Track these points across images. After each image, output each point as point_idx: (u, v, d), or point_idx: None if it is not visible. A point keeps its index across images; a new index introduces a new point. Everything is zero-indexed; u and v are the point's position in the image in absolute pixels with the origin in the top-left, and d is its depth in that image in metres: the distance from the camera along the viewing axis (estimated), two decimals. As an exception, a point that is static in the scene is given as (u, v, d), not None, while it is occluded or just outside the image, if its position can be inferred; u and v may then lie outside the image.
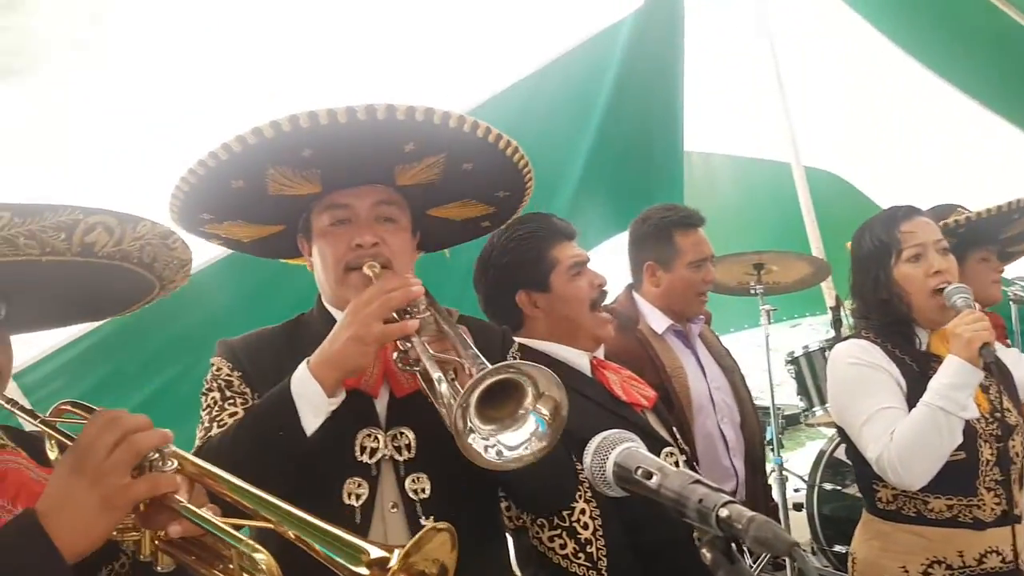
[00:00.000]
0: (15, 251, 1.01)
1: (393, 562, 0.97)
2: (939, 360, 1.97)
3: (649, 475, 0.93)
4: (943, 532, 1.96)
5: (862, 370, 2.02)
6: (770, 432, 4.33)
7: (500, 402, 1.23)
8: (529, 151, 1.60)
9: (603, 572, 1.67)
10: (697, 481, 0.88)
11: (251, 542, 1.00)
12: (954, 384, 1.87)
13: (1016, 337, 3.83)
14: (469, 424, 1.18)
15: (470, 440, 1.18)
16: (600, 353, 2.05)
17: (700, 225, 2.66)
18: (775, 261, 4.10)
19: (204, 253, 2.42)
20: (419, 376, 1.38)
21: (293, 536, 1.03)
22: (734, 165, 6.13)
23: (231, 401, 1.50)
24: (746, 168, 6.16)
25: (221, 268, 2.75)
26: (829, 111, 6.09)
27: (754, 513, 0.81)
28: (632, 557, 1.72)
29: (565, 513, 1.70)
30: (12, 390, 1.37)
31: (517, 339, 1.93)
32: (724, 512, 0.83)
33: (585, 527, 1.66)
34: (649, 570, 1.73)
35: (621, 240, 4.15)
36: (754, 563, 3.10)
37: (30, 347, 2.63)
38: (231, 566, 1.03)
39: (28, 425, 1.22)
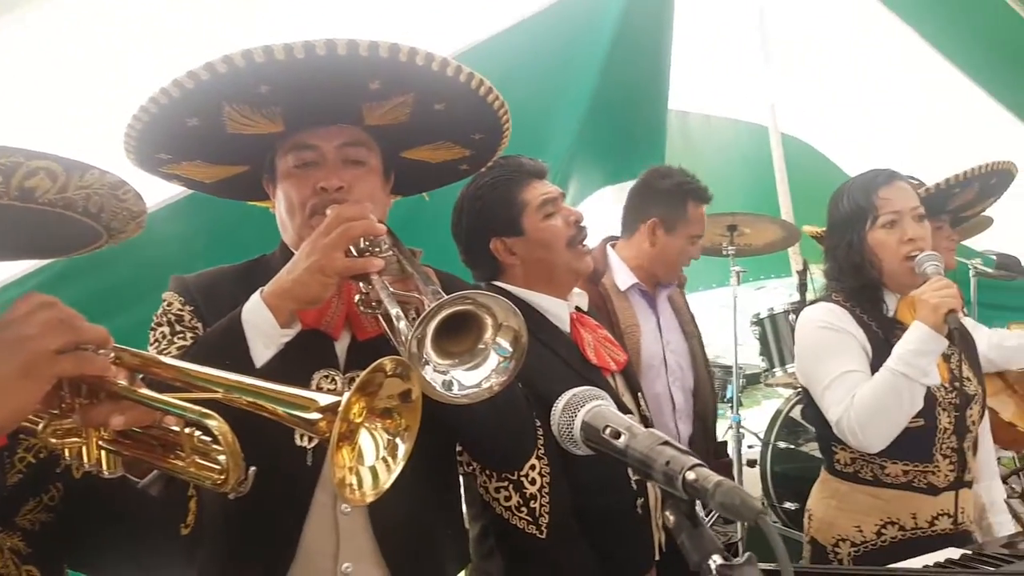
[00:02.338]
0: None
1: (343, 404, 0.93)
2: (904, 327, 1.98)
3: (617, 435, 0.91)
4: (898, 495, 1.99)
5: (829, 334, 2.03)
6: (731, 390, 4.40)
7: (459, 336, 1.18)
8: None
9: (543, 528, 1.66)
10: (666, 443, 0.86)
11: (201, 408, 0.96)
12: (918, 350, 1.88)
13: (973, 308, 3.91)
14: (424, 356, 1.12)
15: (424, 372, 1.12)
16: (584, 303, 2.02)
17: (709, 202, 2.67)
18: (748, 223, 4.13)
19: (163, 192, 2.34)
20: (381, 318, 1.31)
21: (245, 403, 0.99)
22: (712, 125, 6.11)
23: (180, 335, 1.44)
24: (723, 129, 6.14)
25: (181, 208, 2.66)
26: (809, 78, 6.08)
27: (721, 478, 0.80)
28: (574, 519, 1.72)
29: None
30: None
31: (498, 284, 1.90)
32: (691, 475, 0.81)
33: (533, 482, 1.65)
34: (588, 533, 1.74)
35: (604, 194, 4.13)
36: (707, 515, 3.15)
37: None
38: (183, 452, 0.99)
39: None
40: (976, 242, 3.72)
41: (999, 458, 3.28)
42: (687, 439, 2.63)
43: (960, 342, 2.08)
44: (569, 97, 3.76)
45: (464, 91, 1.47)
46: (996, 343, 2.47)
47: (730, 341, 4.19)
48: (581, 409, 0.97)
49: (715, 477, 0.80)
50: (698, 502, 0.84)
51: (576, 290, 2.00)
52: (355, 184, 1.47)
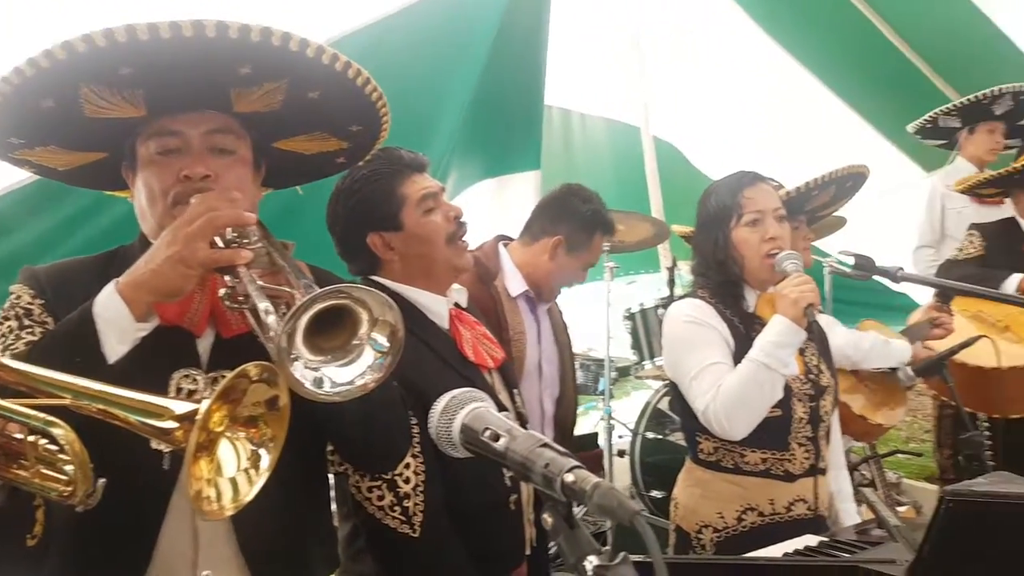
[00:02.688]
0: None
1: (200, 413, 0.89)
2: (763, 322, 2.08)
3: (497, 437, 0.91)
4: (757, 482, 2.08)
5: (695, 328, 2.10)
6: (603, 383, 4.50)
7: (332, 332, 1.12)
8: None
9: (416, 527, 1.64)
10: (545, 445, 0.86)
11: (46, 416, 0.89)
12: (779, 342, 1.97)
13: (828, 305, 4.14)
14: (294, 352, 1.05)
15: (293, 369, 1.05)
16: (463, 300, 2.00)
17: (612, 235, 2.73)
18: (621, 220, 4.22)
19: (8, 177, 2.17)
20: (248, 313, 1.23)
21: (95, 410, 0.93)
22: (588, 124, 6.23)
23: (29, 330, 1.34)
24: (599, 128, 6.28)
25: (30, 194, 2.47)
26: (679, 81, 6.28)
27: (599, 480, 0.80)
28: (448, 518, 1.71)
29: None
30: None
31: (375, 279, 1.86)
32: (569, 477, 0.82)
33: (407, 481, 1.61)
34: (463, 532, 1.73)
35: (482, 188, 4.12)
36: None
37: None
38: (27, 461, 0.92)
39: None
40: (826, 243, 3.96)
41: (851, 448, 3.50)
42: None
43: (814, 336, 2.21)
44: (450, 89, 3.74)
45: (340, 80, 1.41)
46: (854, 342, 2.61)
47: (603, 334, 4.28)
48: (460, 412, 0.96)
49: (593, 479, 0.81)
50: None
51: (455, 286, 1.98)
52: (222, 173, 1.39)
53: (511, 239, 2.79)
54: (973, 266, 3.41)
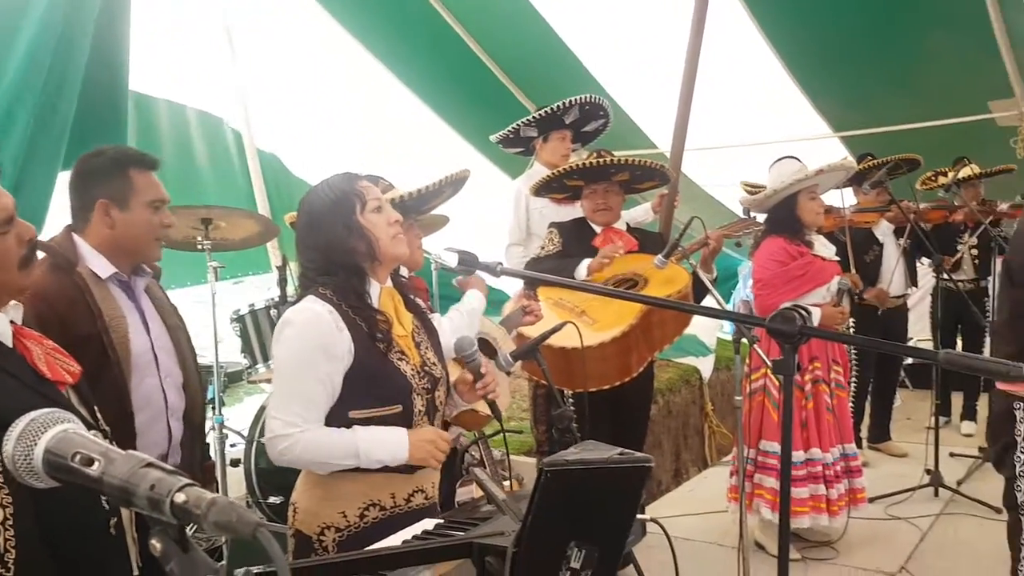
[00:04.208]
0: None
1: None
2: (384, 315, 2.10)
3: (90, 461, 0.79)
4: (379, 477, 2.11)
5: (301, 350, 2.04)
6: (212, 391, 4.27)
7: None
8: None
9: (9, 565, 1.41)
10: (149, 464, 0.77)
11: None
12: (380, 460, 2.08)
13: (436, 301, 4.37)
14: None
15: None
16: (19, 318, 1.71)
17: (155, 168, 2.47)
18: (223, 217, 4.03)
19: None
20: None
21: None
22: (186, 116, 5.85)
23: None
24: (200, 121, 5.94)
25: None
26: (276, 79, 6.19)
27: (215, 496, 0.74)
28: (44, 548, 1.49)
29: None
30: None
31: None
32: (180, 497, 0.74)
33: None
34: (59, 562, 1.52)
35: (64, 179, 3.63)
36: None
37: None
38: None
39: None
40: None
41: (461, 433, 3.71)
42: (180, 439, 2.47)
43: (428, 330, 2.30)
44: (19, 78, 3.29)
45: None
46: (454, 328, 2.76)
47: (210, 339, 4.06)
48: (43, 436, 0.82)
49: (208, 495, 0.74)
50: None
51: (12, 303, 1.69)
52: None
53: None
54: (554, 260, 3.83)
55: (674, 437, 6.06)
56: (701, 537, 4.55)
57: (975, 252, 6.07)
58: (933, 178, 6.01)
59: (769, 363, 3.18)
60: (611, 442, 1.32)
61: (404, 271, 2.69)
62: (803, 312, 1.50)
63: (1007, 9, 5.04)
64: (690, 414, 6.29)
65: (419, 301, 2.38)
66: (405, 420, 2.12)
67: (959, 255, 6.03)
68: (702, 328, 6.66)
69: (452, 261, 1.76)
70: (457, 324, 2.77)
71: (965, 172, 5.77)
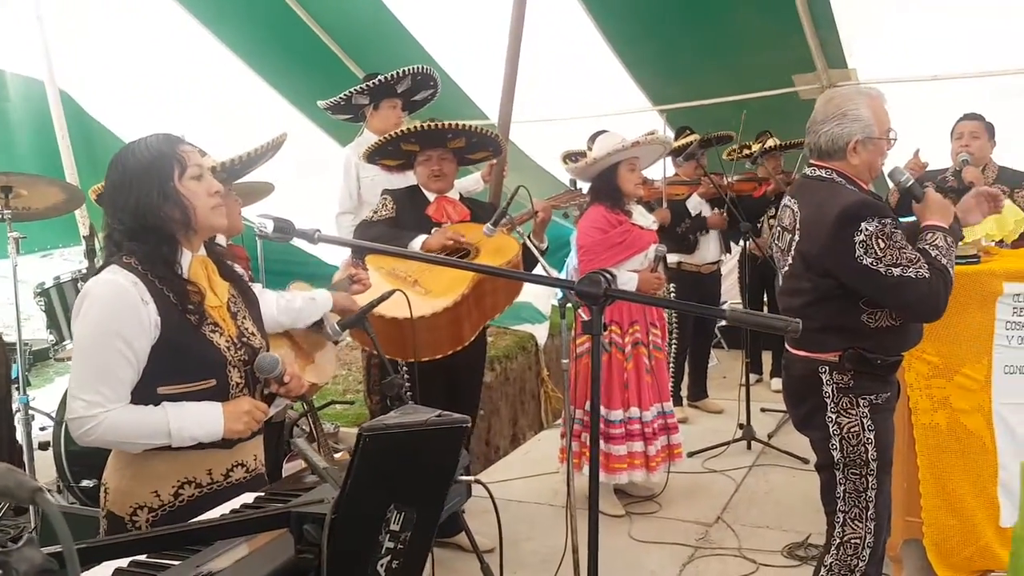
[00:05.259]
0: None
1: None
2: (195, 286, 2.02)
3: None
4: (195, 454, 2.03)
5: (101, 325, 1.93)
6: (16, 370, 4.00)
7: None
8: None
9: None
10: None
11: None
12: (194, 436, 2.00)
13: (261, 274, 4.24)
14: None
15: None
16: None
17: None
18: (25, 185, 3.76)
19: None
20: None
21: None
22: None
23: None
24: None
25: None
26: (88, 39, 5.78)
27: (-8, 465, 0.71)
28: None
29: None
30: None
31: None
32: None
33: None
34: None
35: None
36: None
37: None
38: None
39: None
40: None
41: (291, 405, 3.65)
42: None
43: (244, 299, 2.22)
44: None
45: None
46: (285, 307, 2.62)
47: (13, 316, 3.77)
48: None
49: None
50: None
51: None
52: None
53: None
54: (385, 226, 3.78)
55: (511, 403, 6.22)
56: (534, 499, 4.72)
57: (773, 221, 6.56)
58: (738, 150, 6.42)
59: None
60: (445, 409, 1.33)
61: (221, 238, 2.60)
62: (607, 276, 1.58)
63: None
64: (526, 380, 6.47)
65: (239, 268, 2.30)
66: (221, 394, 2.05)
67: (760, 224, 6.48)
68: (537, 296, 6.85)
69: (269, 228, 1.70)
70: (289, 305, 2.65)
71: (770, 143, 6.21)
